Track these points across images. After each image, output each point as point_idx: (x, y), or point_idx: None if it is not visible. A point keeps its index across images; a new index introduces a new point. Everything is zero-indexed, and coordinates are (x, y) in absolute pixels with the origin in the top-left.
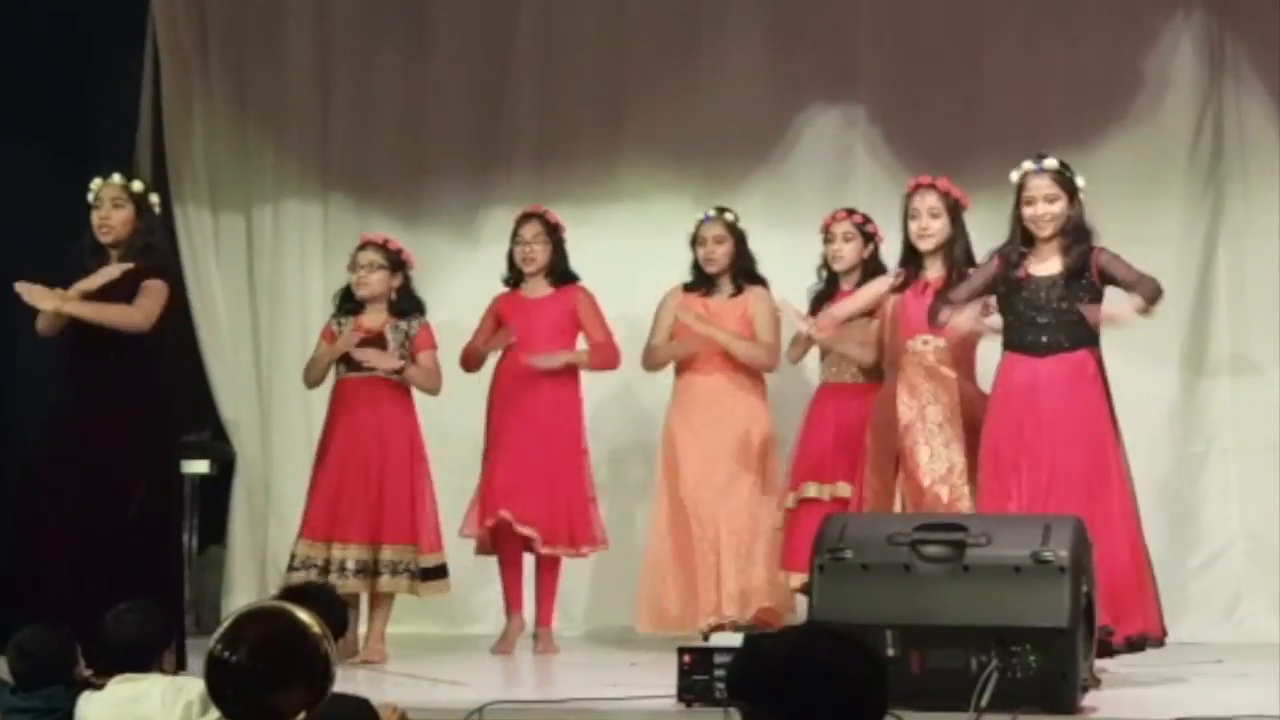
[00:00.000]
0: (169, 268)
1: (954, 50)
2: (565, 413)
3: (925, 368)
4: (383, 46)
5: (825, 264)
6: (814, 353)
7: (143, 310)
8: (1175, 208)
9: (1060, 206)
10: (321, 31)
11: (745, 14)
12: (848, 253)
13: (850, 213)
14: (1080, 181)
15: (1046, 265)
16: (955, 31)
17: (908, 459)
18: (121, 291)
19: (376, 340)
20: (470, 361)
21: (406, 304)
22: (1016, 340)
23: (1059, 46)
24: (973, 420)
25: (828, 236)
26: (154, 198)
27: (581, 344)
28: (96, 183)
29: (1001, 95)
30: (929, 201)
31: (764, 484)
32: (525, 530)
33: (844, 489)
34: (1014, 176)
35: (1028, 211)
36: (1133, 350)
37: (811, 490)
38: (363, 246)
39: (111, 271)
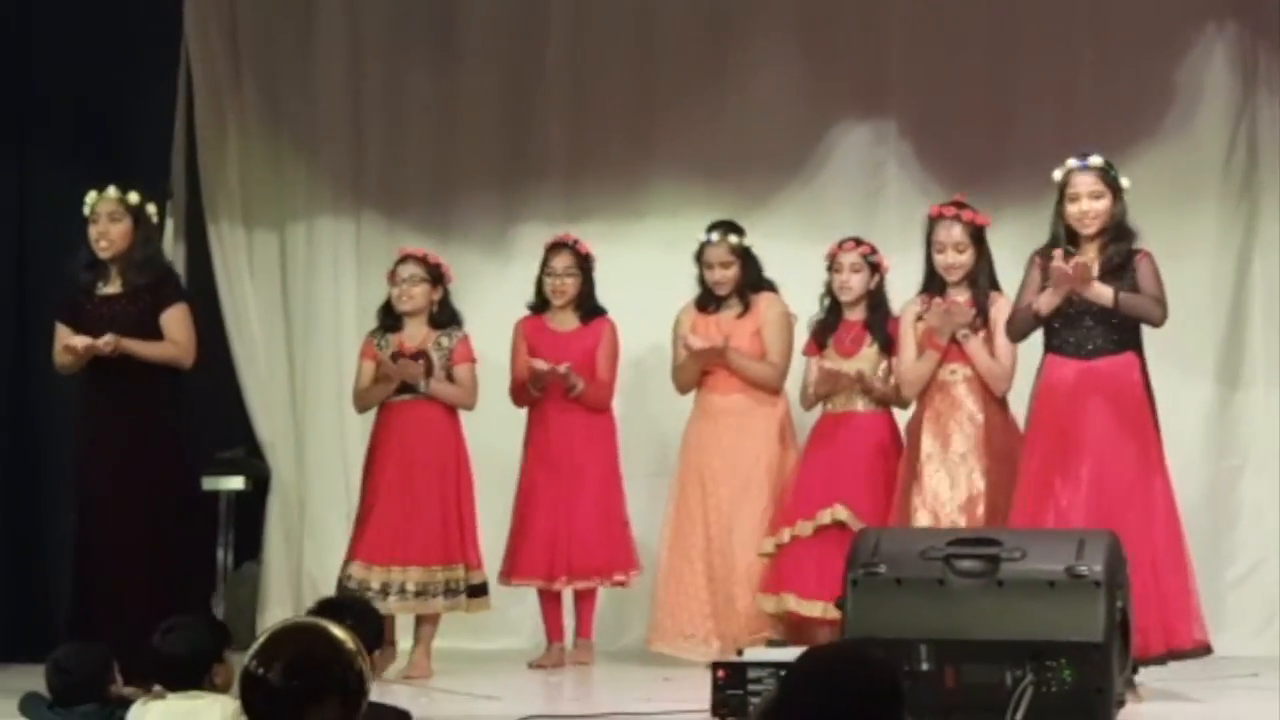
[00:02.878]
0: (176, 283)
1: (985, 65)
2: (600, 439)
3: (952, 396)
4: (414, 65)
5: (829, 293)
6: None
7: (184, 348)
8: (1209, 220)
9: (1105, 204)
10: (353, 51)
11: (776, 30)
12: (855, 284)
13: (858, 242)
14: (1125, 182)
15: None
16: (986, 47)
17: (925, 487)
18: (136, 316)
19: (423, 358)
20: (521, 399)
21: (445, 317)
22: (1059, 342)
23: (1090, 60)
24: (1000, 449)
25: (834, 266)
26: (151, 208)
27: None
28: (92, 196)
29: (1033, 110)
30: (954, 235)
31: (775, 506)
32: (556, 586)
33: (841, 512)
34: (1057, 175)
35: (1072, 209)
36: (1168, 363)
37: (827, 516)
38: (403, 260)
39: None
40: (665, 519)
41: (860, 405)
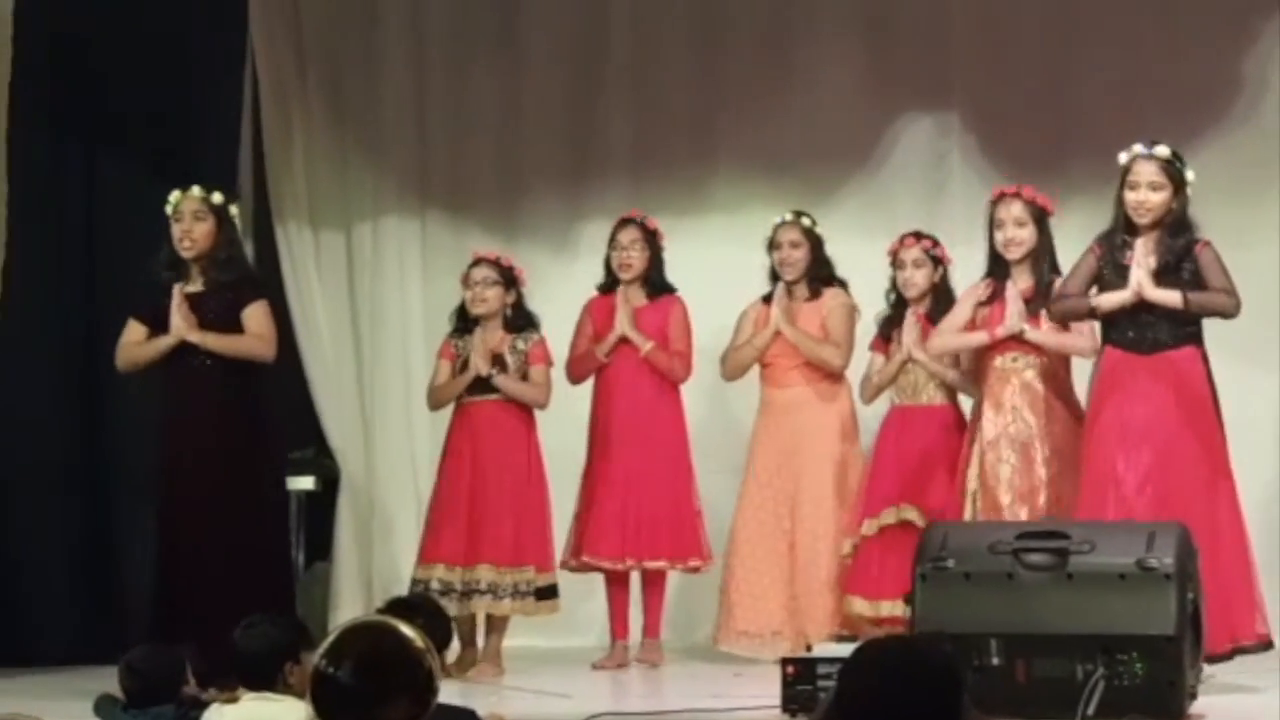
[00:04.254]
0: (257, 281)
1: (1049, 56)
2: (668, 425)
3: (1014, 385)
4: (477, 64)
5: (894, 289)
6: None
7: (266, 341)
8: (1276, 211)
9: (1163, 196)
10: (416, 51)
11: (838, 23)
12: (919, 279)
13: (919, 237)
14: (1190, 175)
15: (1150, 258)
16: (1050, 37)
17: (988, 475)
18: (217, 313)
19: (496, 361)
20: (579, 371)
21: (521, 320)
22: (1119, 336)
23: (1156, 50)
24: (1062, 439)
25: (897, 263)
26: (234, 209)
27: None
28: (175, 195)
29: (1097, 100)
30: (1014, 210)
31: (842, 502)
32: (619, 566)
33: (909, 511)
34: (1122, 158)
35: (1130, 197)
36: (1236, 355)
37: (892, 516)
38: (476, 263)
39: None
40: (733, 517)
41: (924, 398)
